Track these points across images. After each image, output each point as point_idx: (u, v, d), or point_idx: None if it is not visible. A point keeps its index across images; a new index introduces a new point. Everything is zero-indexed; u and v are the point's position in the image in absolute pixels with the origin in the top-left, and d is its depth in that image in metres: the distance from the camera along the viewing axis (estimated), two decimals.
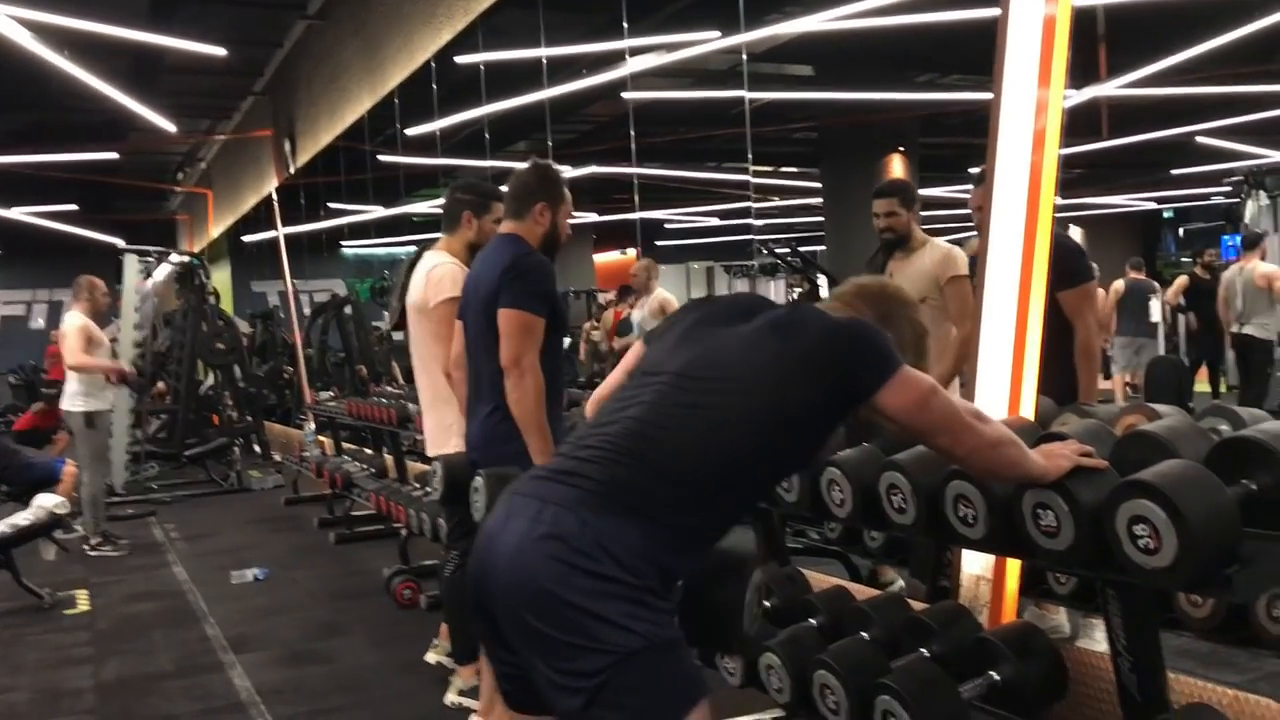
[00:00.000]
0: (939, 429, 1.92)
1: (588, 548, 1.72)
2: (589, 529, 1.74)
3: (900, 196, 4.33)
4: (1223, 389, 10.32)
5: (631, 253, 23.33)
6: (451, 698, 3.85)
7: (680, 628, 1.82)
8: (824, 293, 6.97)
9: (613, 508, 1.77)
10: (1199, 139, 13.80)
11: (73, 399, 7.00)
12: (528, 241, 3.19)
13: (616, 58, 8.59)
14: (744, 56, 8.83)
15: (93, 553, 7.01)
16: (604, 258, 23.10)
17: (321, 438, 8.83)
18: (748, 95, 9.41)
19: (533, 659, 1.75)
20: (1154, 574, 1.90)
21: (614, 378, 2.25)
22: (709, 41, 8.29)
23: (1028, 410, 2.86)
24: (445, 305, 3.63)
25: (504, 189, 3.37)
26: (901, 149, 12.91)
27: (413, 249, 4.21)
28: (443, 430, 3.75)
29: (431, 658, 4.19)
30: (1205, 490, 1.88)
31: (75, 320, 7.04)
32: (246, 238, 16.71)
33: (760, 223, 20.06)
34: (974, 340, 3.02)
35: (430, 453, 3.90)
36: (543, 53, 7.53)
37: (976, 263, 3.12)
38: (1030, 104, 2.85)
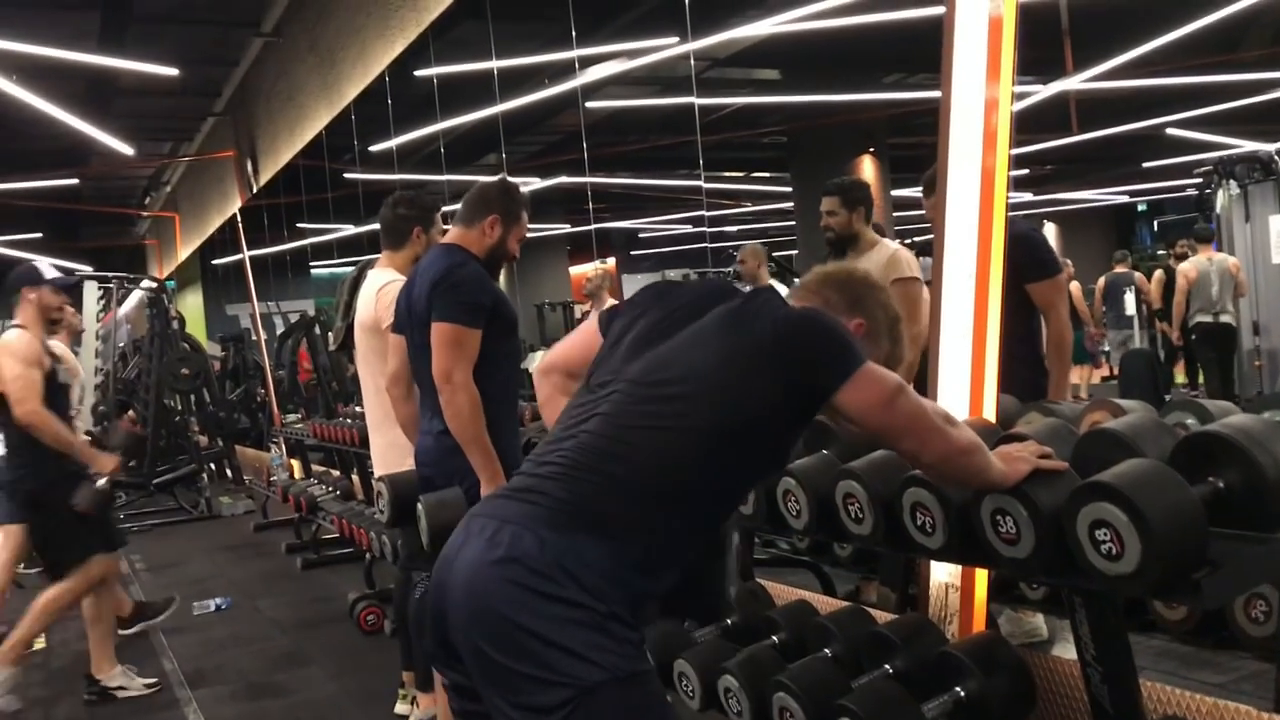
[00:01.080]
0: (905, 432, 1.78)
1: (547, 570, 1.59)
2: (549, 549, 1.60)
3: (842, 196, 4.22)
4: (1200, 381, 10.27)
5: (611, 262, 23.28)
6: None
7: (667, 609, 1.70)
8: None
9: (574, 526, 1.64)
10: (1169, 131, 13.80)
11: None
12: (468, 251, 3.07)
13: (575, 67, 8.50)
14: (692, 62, 8.74)
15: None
16: (580, 269, 23.02)
17: (292, 460, 8.69)
18: (697, 101, 9.32)
19: (490, 693, 1.62)
20: (1118, 580, 1.79)
21: (572, 345, 2.16)
22: (665, 48, 8.18)
23: (989, 410, 2.75)
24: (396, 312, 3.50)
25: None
26: (872, 150, 12.85)
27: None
28: (394, 450, 3.62)
29: (401, 708, 3.92)
30: (1168, 490, 1.77)
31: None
32: (216, 261, 16.54)
33: (734, 229, 20.00)
34: (931, 341, 2.91)
35: (378, 472, 3.77)
36: (494, 65, 7.41)
37: (933, 266, 3.01)
38: (979, 102, 2.76)
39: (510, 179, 3.23)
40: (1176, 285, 9.12)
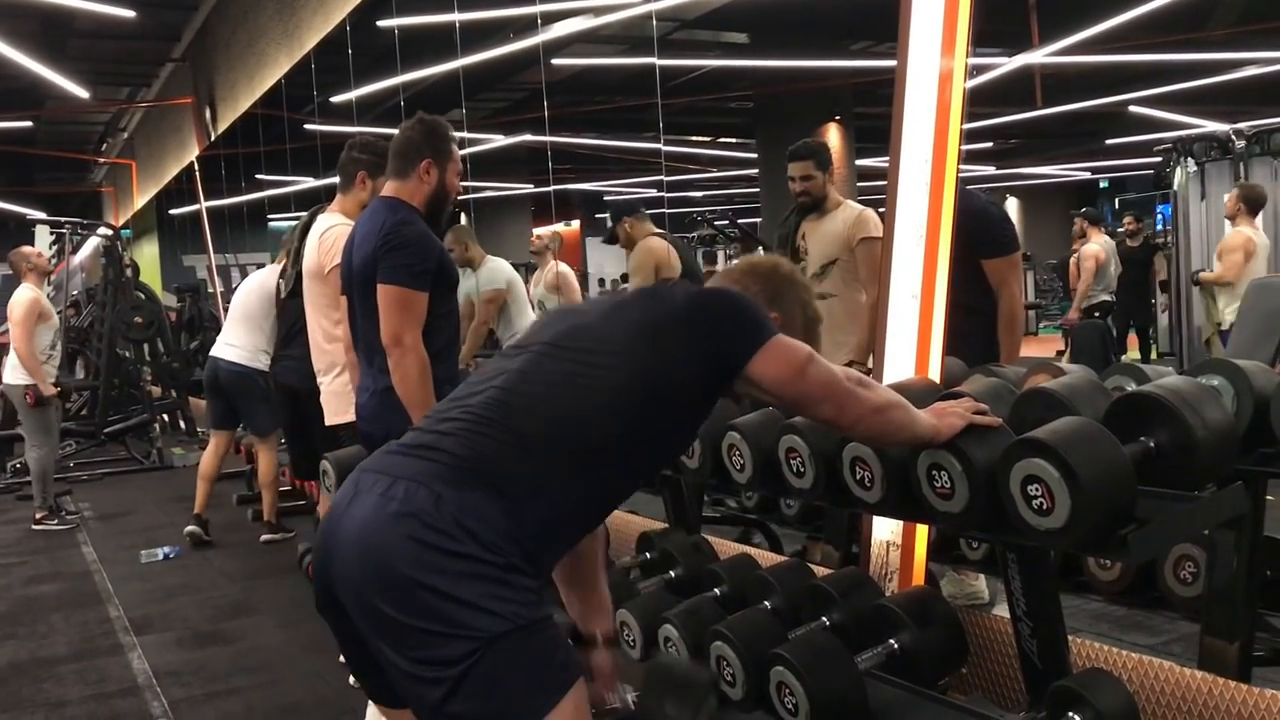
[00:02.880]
0: (818, 399, 1.80)
1: (445, 525, 1.57)
2: (446, 505, 1.59)
3: (816, 159, 4.22)
4: (1154, 355, 10.41)
5: (575, 225, 23.14)
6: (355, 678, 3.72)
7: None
8: None
9: (472, 483, 1.62)
10: (1132, 108, 13.90)
11: (15, 371, 6.75)
12: (410, 205, 2.97)
13: (538, 22, 8.40)
14: (654, 21, 8.66)
15: (37, 527, 6.82)
16: (543, 230, 22.86)
17: None
18: (659, 62, 9.25)
19: (386, 649, 1.59)
20: (1047, 535, 1.83)
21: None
22: (631, 6, 8.10)
23: (934, 371, 2.78)
24: (340, 270, 3.47)
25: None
26: (838, 118, 12.83)
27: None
28: (339, 397, 3.60)
29: None
30: (1099, 448, 1.80)
31: (26, 293, 6.92)
32: (173, 210, 16.28)
33: (699, 194, 19.95)
34: (880, 303, 2.93)
35: (329, 421, 3.75)
36: (456, 17, 7.30)
37: (884, 229, 3.03)
38: (934, 72, 2.79)
39: (426, 115, 3.08)
40: (1084, 267, 9.37)
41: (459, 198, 3.19)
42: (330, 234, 3.51)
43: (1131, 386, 2.41)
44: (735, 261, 2.14)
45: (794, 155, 4.28)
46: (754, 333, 1.76)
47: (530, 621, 1.58)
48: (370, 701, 2.98)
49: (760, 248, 7.73)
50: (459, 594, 1.54)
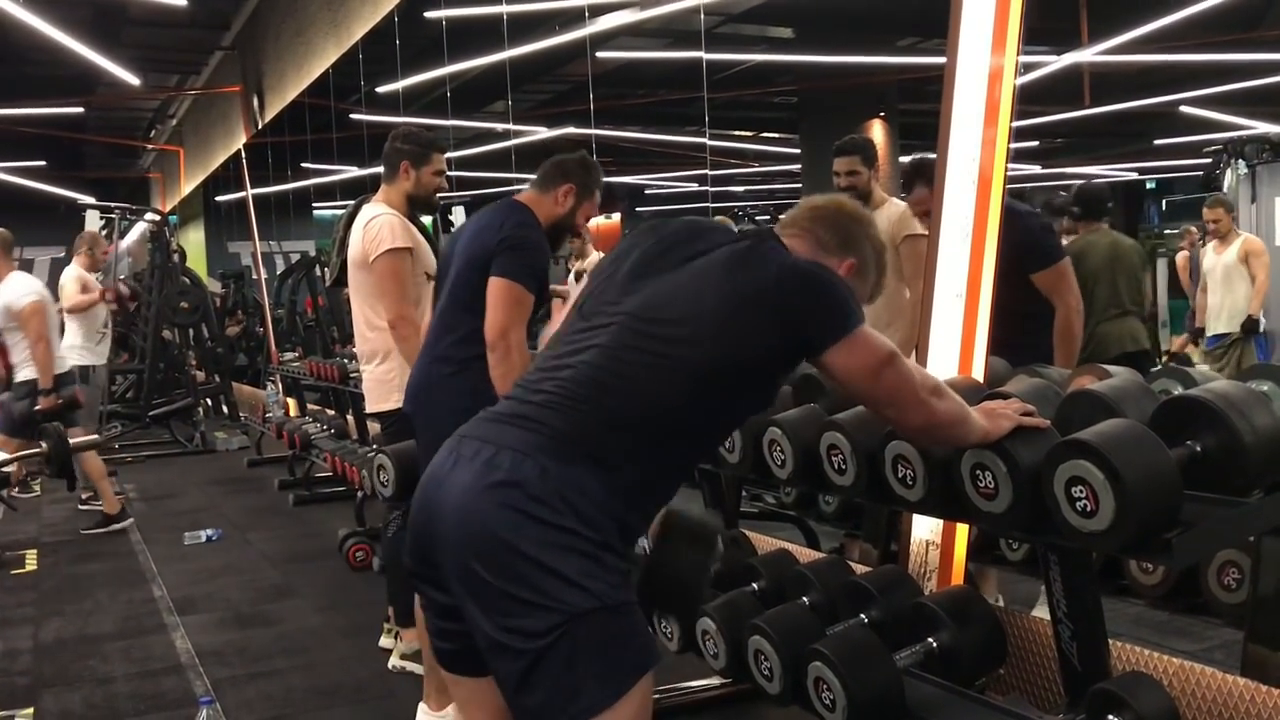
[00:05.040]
0: (885, 401, 1.82)
1: (548, 497, 1.61)
2: (550, 478, 1.63)
3: (862, 154, 4.21)
4: None
5: (616, 217, 23.13)
6: (395, 661, 3.77)
7: (639, 590, 1.72)
8: None
9: (573, 457, 1.66)
10: (1183, 108, 13.68)
11: (66, 353, 6.88)
12: (536, 215, 2.99)
13: (584, 15, 8.41)
14: (702, 16, 8.64)
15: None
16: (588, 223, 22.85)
17: (288, 399, 8.71)
18: (705, 56, 9.22)
19: (476, 614, 1.63)
20: (1091, 537, 1.82)
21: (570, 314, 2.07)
22: (676, 0, 8.09)
23: (978, 371, 2.77)
24: (385, 259, 3.51)
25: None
26: (882, 114, 12.75)
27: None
28: (381, 385, 3.64)
29: (385, 642, 3.94)
30: (1145, 450, 1.79)
31: (72, 271, 7.32)
32: (219, 197, 16.47)
33: (740, 189, 19.88)
34: (924, 301, 2.92)
35: (370, 409, 3.79)
36: (504, 9, 7.33)
37: (930, 228, 2.99)
38: (984, 70, 2.77)
39: (589, 155, 3.18)
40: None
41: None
42: (375, 224, 3.54)
43: (1178, 390, 2.39)
44: (796, 209, 2.07)
45: (840, 150, 4.26)
46: (841, 322, 1.76)
47: (617, 603, 1.62)
48: (423, 700, 3.05)
49: None
50: (554, 564, 1.59)
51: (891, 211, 4.13)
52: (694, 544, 1.99)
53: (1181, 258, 10.25)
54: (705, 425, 1.82)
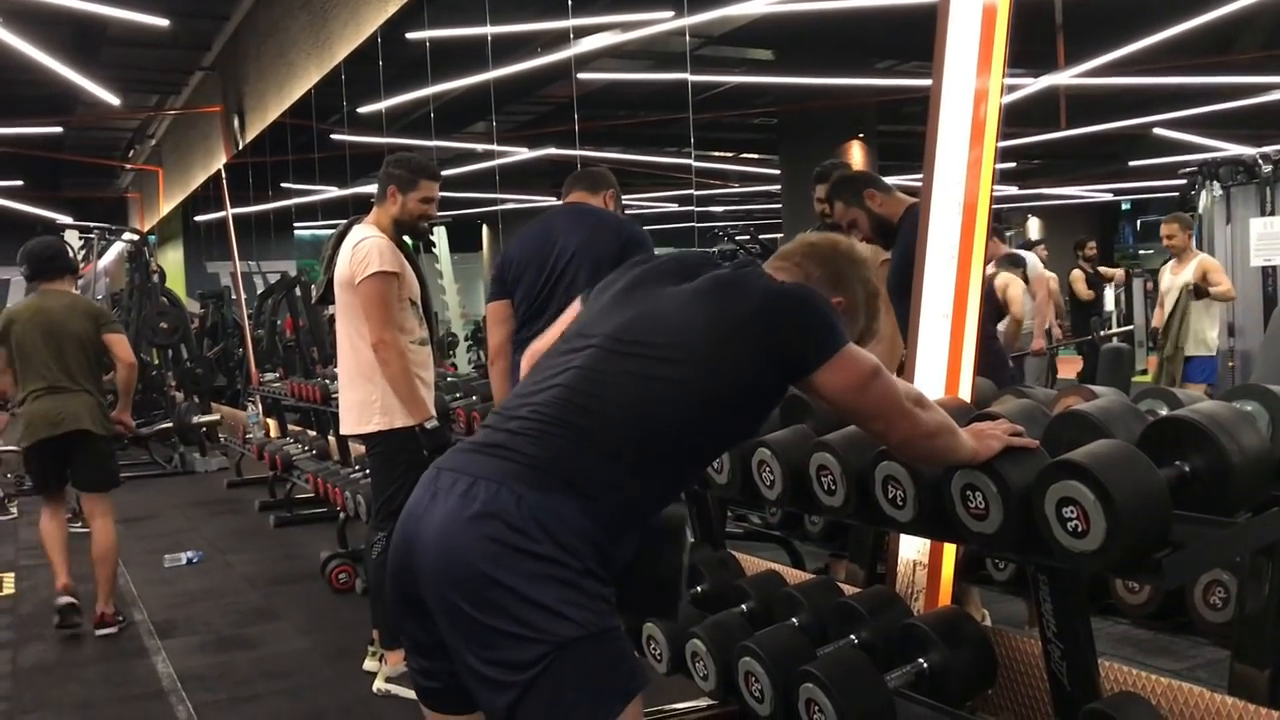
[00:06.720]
0: (872, 414, 1.82)
1: (525, 526, 1.60)
2: (525, 506, 1.61)
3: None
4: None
5: None
6: (380, 685, 3.74)
7: (619, 597, 1.71)
8: None
9: (549, 484, 1.64)
10: (1156, 130, 13.85)
11: None
12: None
13: (569, 37, 8.46)
14: (686, 38, 8.71)
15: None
16: None
17: (268, 419, 8.66)
18: (690, 78, 9.29)
19: (460, 648, 1.63)
20: (1082, 557, 1.82)
21: (552, 333, 2.07)
22: (660, 22, 8.15)
23: (965, 392, 2.78)
24: (370, 281, 3.51)
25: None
26: (861, 136, 12.86)
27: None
28: (362, 407, 3.63)
29: (370, 665, 3.91)
30: (1135, 471, 1.80)
31: None
32: (198, 217, 16.41)
33: (720, 209, 19.95)
34: (911, 322, 2.94)
35: (344, 430, 3.79)
36: (488, 30, 7.36)
37: (914, 250, 3.03)
38: (969, 91, 2.79)
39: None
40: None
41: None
42: (363, 246, 3.55)
43: (1163, 410, 2.42)
44: (792, 243, 2.09)
45: (820, 176, 4.29)
46: (828, 343, 1.75)
47: (601, 630, 1.61)
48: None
49: None
50: (535, 595, 1.57)
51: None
52: (664, 544, 1.96)
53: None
54: (685, 449, 1.78)
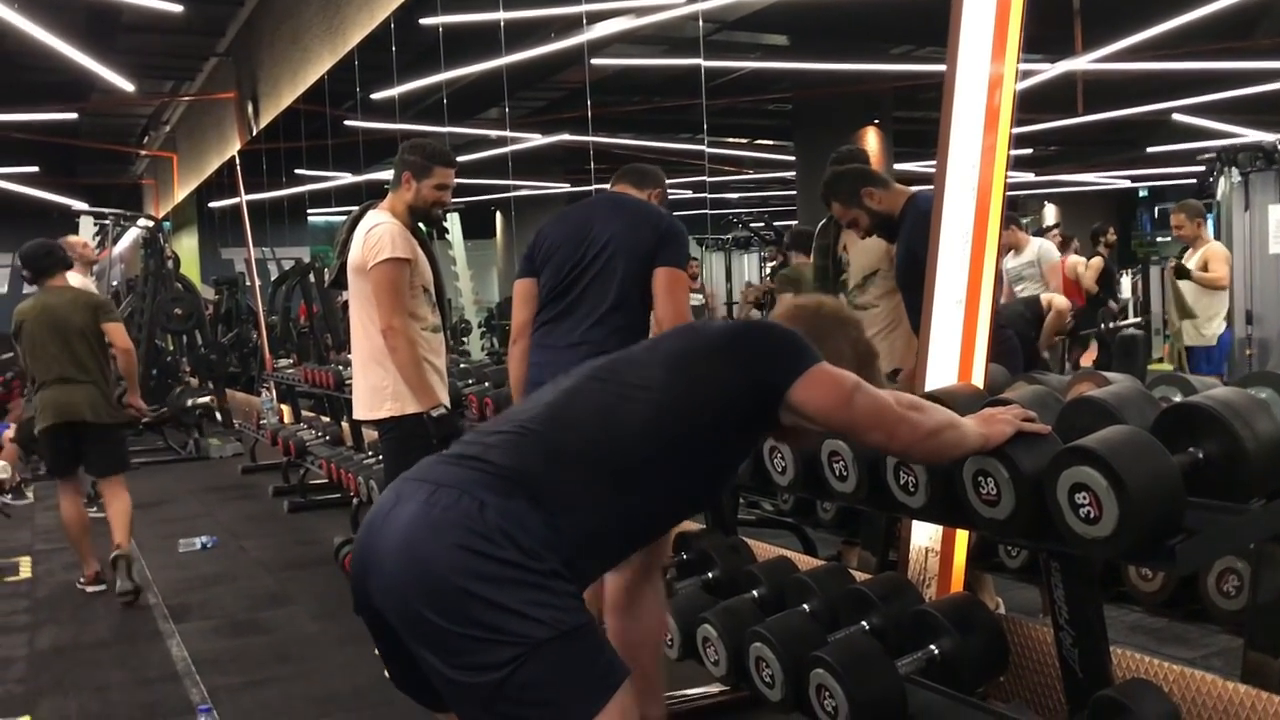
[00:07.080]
0: (867, 426, 1.82)
1: (486, 531, 1.59)
2: (488, 512, 1.60)
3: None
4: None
5: None
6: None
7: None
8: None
9: (513, 492, 1.64)
10: (1176, 116, 13.72)
11: None
12: None
13: (583, 22, 8.42)
14: (700, 23, 8.67)
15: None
16: None
17: (282, 405, 8.69)
18: (704, 63, 9.25)
19: (429, 657, 1.61)
20: (1094, 543, 1.82)
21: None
22: (673, 7, 8.11)
23: (978, 378, 2.77)
24: (382, 267, 3.50)
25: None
26: (876, 121, 12.80)
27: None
28: (375, 392, 3.63)
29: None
30: (1148, 457, 1.79)
31: (76, 280, 7.03)
32: (213, 204, 16.46)
33: (734, 196, 19.88)
34: (924, 309, 2.92)
35: (358, 415, 3.78)
36: (501, 16, 7.34)
37: (919, 241, 3.02)
38: (984, 78, 2.77)
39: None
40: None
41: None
42: (376, 231, 3.54)
43: (1177, 397, 2.41)
44: (777, 306, 2.13)
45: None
46: (794, 359, 1.78)
47: (573, 628, 1.59)
48: None
49: (784, 255, 7.63)
50: (501, 599, 1.56)
51: None
52: None
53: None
54: (657, 476, 1.76)
